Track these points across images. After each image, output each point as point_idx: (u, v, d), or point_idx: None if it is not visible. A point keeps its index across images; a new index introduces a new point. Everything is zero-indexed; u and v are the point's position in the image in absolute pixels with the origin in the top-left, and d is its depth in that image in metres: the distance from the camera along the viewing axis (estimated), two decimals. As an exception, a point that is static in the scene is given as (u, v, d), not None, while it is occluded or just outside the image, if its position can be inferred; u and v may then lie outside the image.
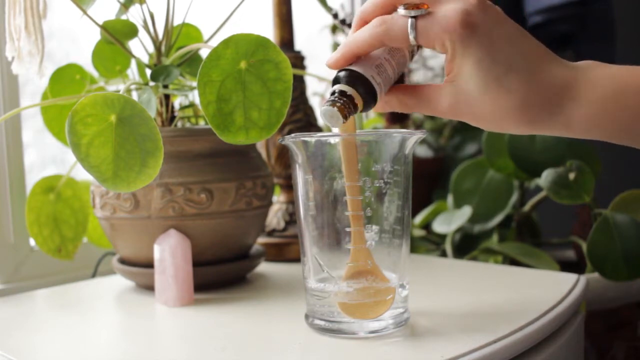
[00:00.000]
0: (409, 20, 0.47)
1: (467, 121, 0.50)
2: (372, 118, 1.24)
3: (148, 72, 0.69)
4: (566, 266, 0.95)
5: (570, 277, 0.70)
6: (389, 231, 0.53)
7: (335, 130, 0.51)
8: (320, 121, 0.89)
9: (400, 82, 0.53)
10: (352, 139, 0.51)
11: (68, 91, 0.76)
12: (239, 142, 0.56)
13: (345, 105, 0.48)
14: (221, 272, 0.70)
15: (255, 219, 0.71)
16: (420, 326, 0.55)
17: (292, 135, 0.52)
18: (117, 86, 0.76)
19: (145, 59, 0.71)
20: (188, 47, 0.67)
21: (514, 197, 1.00)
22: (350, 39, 0.50)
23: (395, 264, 0.54)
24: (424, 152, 1.28)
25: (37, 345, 0.55)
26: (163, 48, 0.69)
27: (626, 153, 0.77)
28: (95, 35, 0.70)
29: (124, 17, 0.69)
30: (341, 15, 1.00)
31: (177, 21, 0.71)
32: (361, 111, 0.50)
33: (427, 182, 1.24)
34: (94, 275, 0.84)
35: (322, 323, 0.53)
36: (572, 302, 0.63)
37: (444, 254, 1.01)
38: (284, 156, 0.86)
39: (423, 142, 1.27)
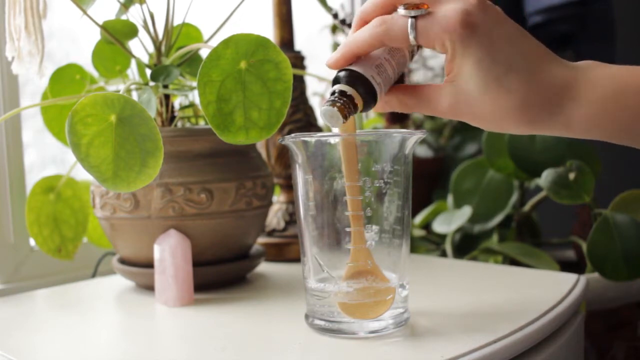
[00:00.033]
0: (409, 20, 0.47)
1: (467, 121, 0.50)
2: (372, 118, 1.24)
3: (148, 72, 0.69)
4: (566, 266, 0.95)
5: (570, 277, 0.70)
6: (389, 231, 0.53)
7: (335, 130, 0.51)
8: (320, 121, 0.89)
9: (400, 82, 0.53)
10: (352, 139, 0.51)
11: (68, 91, 0.76)
12: (239, 142, 0.56)
13: (345, 105, 0.48)
14: (221, 272, 0.70)
15: (255, 219, 0.71)
16: (420, 326, 0.55)
17: (292, 135, 0.52)
18: (117, 86, 0.76)
19: (145, 59, 0.71)
20: (188, 47, 0.67)
21: (514, 197, 1.00)
22: (350, 39, 0.50)
23: (395, 264, 0.54)
24: (424, 152, 1.28)
25: (37, 345, 0.55)
26: (163, 48, 0.69)
27: (626, 153, 0.77)
28: (95, 35, 0.70)
29: (124, 17, 0.69)
30: (341, 15, 1.00)
31: (177, 21, 0.71)
32: (361, 111, 0.50)
33: (427, 182, 1.24)
34: (94, 275, 0.84)
35: (322, 323, 0.53)
36: (572, 302, 0.63)
37: (444, 254, 1.01)
38: (284, 156, 0.86)
39: (423, 142, 1.27)
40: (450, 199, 1.04)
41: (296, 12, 0.88)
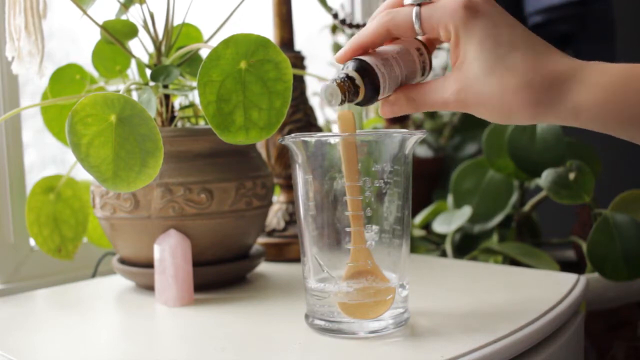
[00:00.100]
0: (414, 8, 0.49)
1: (473, 111, 0.49)
2: (372, 118, 1.24)
3: (148, 72, 0.69)
4: (566, 266, 0.95)
5: (570, 277, 0.70)
6: (389, 231, 0.53)
7: (335, 123, 0.51)
8: (320, 121, 0.89)
9: None
10: (352, 139, 0.51)
11: (68, 91, 0.76)
12: (239, 142, 0.56)
13: (345, 84, 0.48)
14: (221, 272, 0.70)
15: (255, 219, 0.71)
16: (420, 326, 0.55)
17: (292, 135, 0.52)
18: (117, 86, 0.76)
19: (145, 59, 0.71)
20: (188, 47, 0.67)
21: (514, 197, 1.00)
22: (357, 34, 0.51)
23: (395, 264, 0.54)
24: (424, 152, 1.28)
25: (37, 345, 0.55)
26: (163, 48, 0.69)
27: (626, 153, 0.77)
28: (95, 35, 0.70)
29: (124, 17, 0.69)
30: (341, 15, 1.00)
31: (177, 21, 0.71)
32: (363, 102, 0.50)
33: (427, 182, 1.24)
34: (94, 275, 0.84)
35: (322, 323, 0.53)
36: (572, 302, 0.63)
37: (444, 254, 1.01)
38: (284, 156, 0.86)
39: (423, 142, 1.27)
40: (450, 199, 1.04)
41: (296, 12, 0.88)
